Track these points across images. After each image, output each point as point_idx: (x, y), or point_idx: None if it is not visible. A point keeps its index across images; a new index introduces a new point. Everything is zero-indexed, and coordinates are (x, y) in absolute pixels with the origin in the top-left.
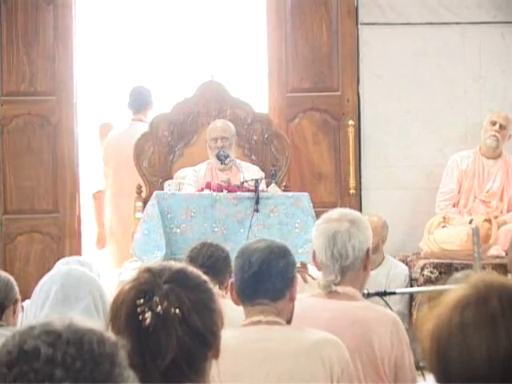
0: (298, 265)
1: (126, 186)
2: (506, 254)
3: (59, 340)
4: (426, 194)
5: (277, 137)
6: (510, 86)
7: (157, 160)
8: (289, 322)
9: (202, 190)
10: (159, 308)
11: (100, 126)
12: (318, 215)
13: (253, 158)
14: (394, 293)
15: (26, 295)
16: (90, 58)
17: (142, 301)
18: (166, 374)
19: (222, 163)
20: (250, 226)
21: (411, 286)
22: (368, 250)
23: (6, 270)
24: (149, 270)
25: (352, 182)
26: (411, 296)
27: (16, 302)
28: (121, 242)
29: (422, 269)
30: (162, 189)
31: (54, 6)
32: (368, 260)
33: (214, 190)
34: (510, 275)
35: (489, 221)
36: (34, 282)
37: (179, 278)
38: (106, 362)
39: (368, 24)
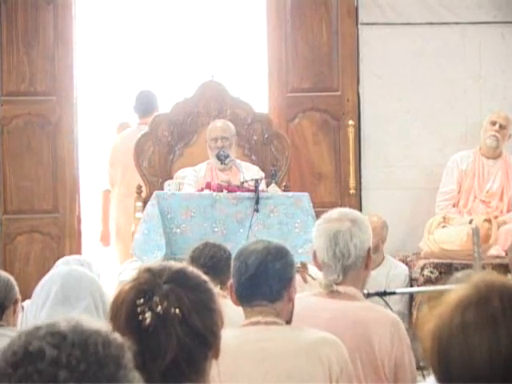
0: (298, 265)
1: (134, 188)
2: (506, 254)
3: (64, 342)
4: (426, 194)
5: (277, 137)
6: (510, 86)
7: (157, 160)
8: (288, 322)
9: (202, 189)
10: (159, 308)
11: (118, 125)
12: (318, 215)
13: (253, 158)
14: (394, 293)
15: (26, 295)
16: (90, 58)
17: (141, 301)
18: (166, 374)
19: (222, 163)
20: (250, 226)
21: (411, 286)
22: (369, 249)
23: (6, 270)
24: (149, 270)
25: (352, 182)
26: (411, 296)
27: (16, 301)
28: (127, 241)
29: (422, 269)
30: (161, 189)
31: (54, 6)
32: (369, 259)
33: (214, 190)
34: (510, 275)
35: (489, 221)
36: (34, 282)
37: (179, 278)
38: (111, 364)
39: (368, 24)
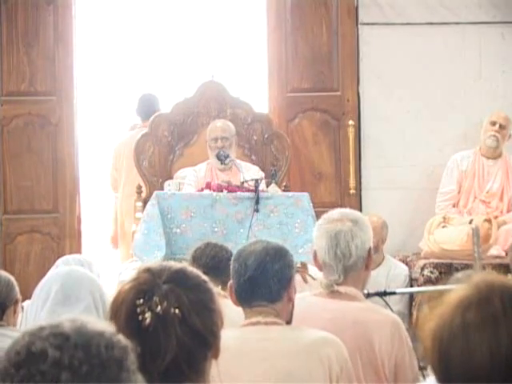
0: (298, 265)
1: None
2: (506, 254)
3: (67, 343)
4: (426, 194)
5: (277, 137)
6: (510, 86)
7: (157, 160)
8: (289, 322)
9: (202, 190)
10: (159, 308)
11: (130, 127)
12: (318, 215)
13: (253, 158)
14: (394, 293)
15: (26, 295)
16: (90, 58)
17: (141, 301)
18: (165, 374)
19: (222, 163)
20: (250, 226)
21: (411, 286)
22: (370, 250)
23: (6, 270)
24: (148, 270)
25: (352, 182)
26: (411, 296)
27: (16, 302)
28: (131, 242)
29: (422, 269)
30: (162, 189)
31: (54, 6)
32: (370, 259)
33: (214, 190)
34: (510, 275)
35: (489, 221)
36: (34, 282)
37: (179, 278)
38: (114, 366)
39: (368, 24)
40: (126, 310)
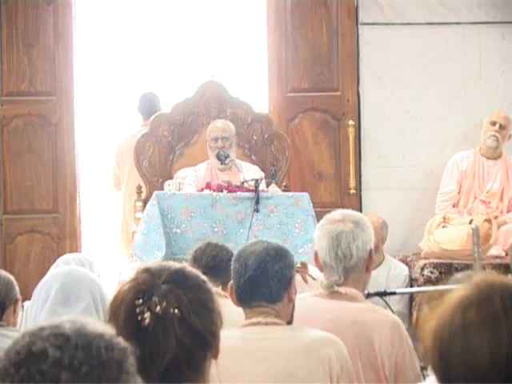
0: (298, 265)
1: None
2: (506, 254)
3: (67, 343)
4: (426, 194)
5: (277, 137)
6: (510, 86)
7: (157, 160)
8: (289, 322)
9: (202, 190)
10: (158, 308)
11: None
12: (318, 215)
13: (253, 158)
14: (394, 293)
15: (26, 295)
16: (90, 59)
17: (140, 301)
18: (165, 374)
19: (222, 163)
20: (250, 226)
21: (411, 286)
22: (371, 251)
23: (6, 269)
24: (148, 270)
25: (352, 182)
26: (411, 296)
27: (16, 301)
28: (131, 242)
29: (422, 269)
30: (161, 189)
31: (54, 6)
32: (371, 261)
33: (214, 190)
34: (510, 275)
35: (489, 221)
36: (34, 282)
37: (178, 278)
38: (114, 367)
39: (368, 24)
40: (125, 310)
